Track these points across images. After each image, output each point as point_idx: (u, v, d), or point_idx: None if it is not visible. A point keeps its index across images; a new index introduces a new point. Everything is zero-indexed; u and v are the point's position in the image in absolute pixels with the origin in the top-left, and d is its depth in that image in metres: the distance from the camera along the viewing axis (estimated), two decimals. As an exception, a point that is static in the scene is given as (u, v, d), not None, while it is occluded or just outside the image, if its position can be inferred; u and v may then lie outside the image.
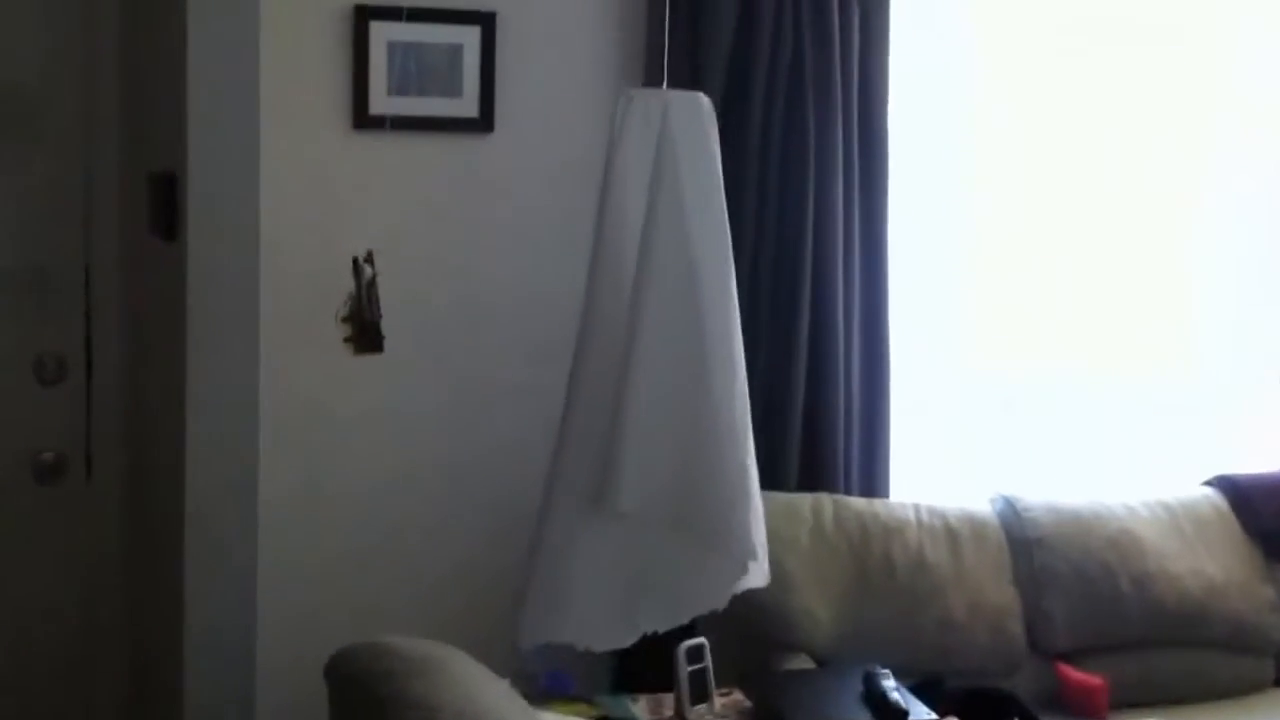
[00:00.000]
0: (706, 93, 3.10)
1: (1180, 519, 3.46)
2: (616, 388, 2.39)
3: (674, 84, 3.13)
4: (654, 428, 2.39)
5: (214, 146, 2.65)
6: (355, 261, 3.01)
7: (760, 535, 2.55)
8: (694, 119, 2.43)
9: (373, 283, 3.01)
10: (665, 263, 2.39)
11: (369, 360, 3.05)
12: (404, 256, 3.07)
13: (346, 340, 3.03)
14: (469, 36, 3.07)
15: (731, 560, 2.51)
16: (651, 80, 3.16)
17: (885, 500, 3.36)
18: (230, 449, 2.71)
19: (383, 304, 3.03)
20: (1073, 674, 3.18)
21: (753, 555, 2.51)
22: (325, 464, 3.05)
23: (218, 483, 2.70)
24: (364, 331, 3.03)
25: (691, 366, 2.40)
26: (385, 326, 3.06)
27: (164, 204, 2.74)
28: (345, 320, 3.03)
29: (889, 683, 2.72)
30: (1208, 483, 3.59)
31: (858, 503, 3.28)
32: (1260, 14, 3.70)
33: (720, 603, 2.59)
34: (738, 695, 2.80)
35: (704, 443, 2.41)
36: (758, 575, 2.59)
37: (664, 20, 3.11)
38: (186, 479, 2.67)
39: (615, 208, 2.47)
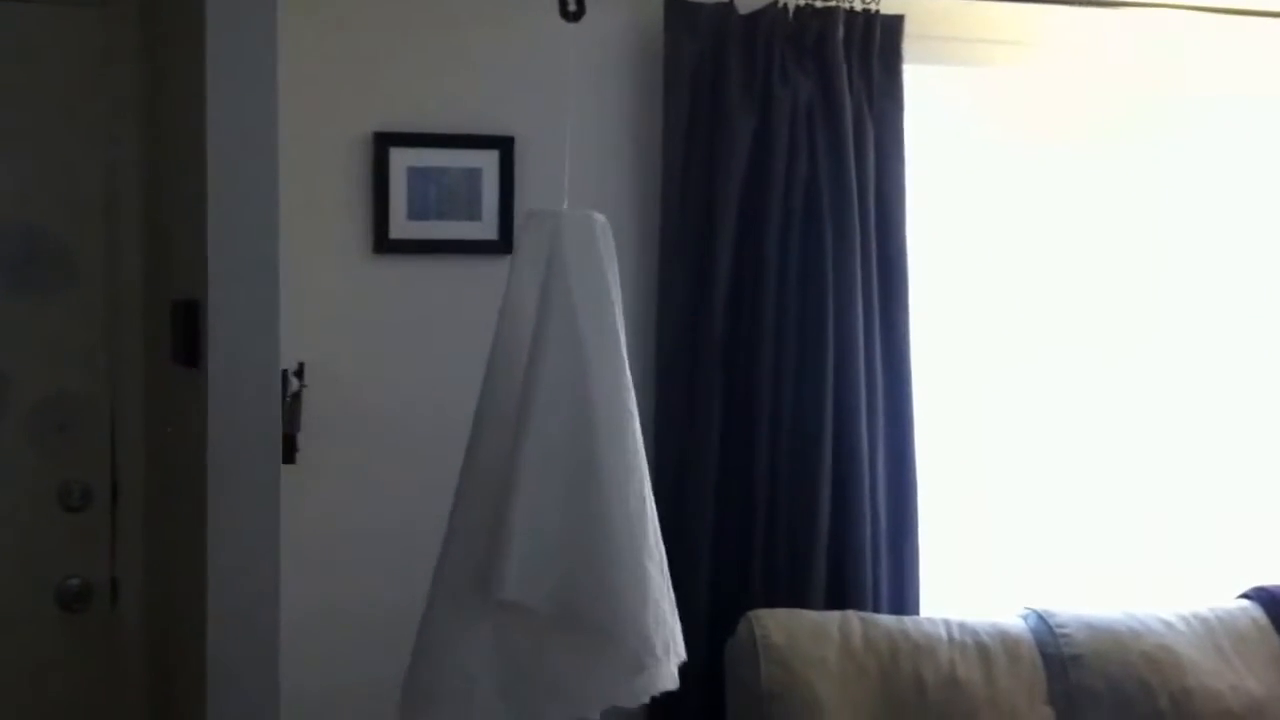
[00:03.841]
0: (723, 211, 3.20)
1: (1218, 633, 3.38)
2: (505, 477, 2.40)
3: (690, 205, 3.22)
4: (541, 518, 2.38)
5: (234, 273, 2.67)
6: (285, 374, 2.99)
7: (665, 637, 2.52)
8: (585, 234, 2.49)
9: (297, 396, 3.00)
10: (555, 363, 2.43)
11: (394, 482, 3.05)
12: (427, 378, 3.09)
13: None
14: (488, 160, 3.12)
15: (623, 658, 2.46)
16: (669, 201, 3.22)
17: (915, 617, 3.30)
18: (250, 578, 2.69)
19: (406, 425, 3.05)
20: (1111, 796, 3.09)
21: (649, 653, 2.46)
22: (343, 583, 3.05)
23: (238, 614, 2.68)
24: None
25: (581, 464, 2.41)
26: (411, 447, 3.07)
27: (185, 331, 2.77)
28: None
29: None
30: (1245, 595, 3.51)
31: (886, 620, 3.22)
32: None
33: (627, 701, 2.55)
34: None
35: (593, 538, 2.40)
36: (665, 678, 2.55)
37: (679, 143, 3.18)
38: (208, 609, 2.66)
39: (510, 313, 2.52)
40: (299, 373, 3.01)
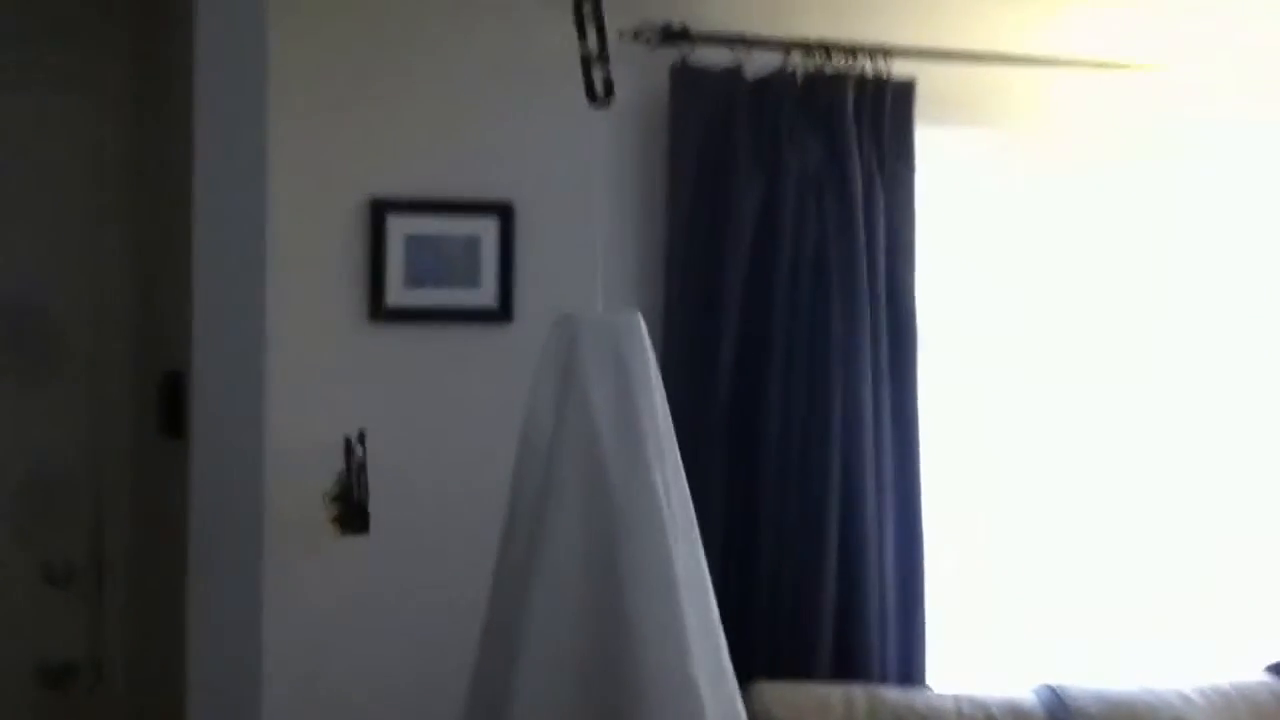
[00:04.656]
0: (729, 281, 3.14)
1: (1238, 708, 3.29)
2: (514, 606, 2.22)
3: (696, 273, 3.16)
4: (557, 643, 2.19)
5: (219, 344, 2.63)
6: (348, 441, 2.95)
7: None
8: (606, 339, 2.30)
9: (363, 464, 2.95)
10: (570, 465, 2.23)
11: (389, 552, 2.99)
12: (422, 449, 3.03)
13: (334, 520, 2.96)
14: (486, 227, 3.07)
15: None
16: (673, 266, 3.17)
17: (923, 691, 3.23)
18: (231, 656, 2.63)
19: (399, 495, 2.98)
20: None
21: None
22: (328, 656, 2.99)
23: (218, 693, 2.62)
24: (350, 511, 2.95)
25: (602, 571, 2.20)
26: (399, 517, 3.00)
27: (170, 402, 2.72)
28: (334, 499, 2.96)
29: None
30: (1270, 668, 3.42)
31: (892, 694, 3.15)
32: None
33: None
34: None
35: (619, 654, 2.19)
36: None
37: (685, 211, 3.12)
38: (188, 687, 2.60)
39: (530, 428, 2.34)
40: (361, 439, 2.95)
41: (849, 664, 3.19)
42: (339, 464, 2.96)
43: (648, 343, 2.30)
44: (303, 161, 2.93)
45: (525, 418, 2.32)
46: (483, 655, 2.28)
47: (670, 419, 2.30)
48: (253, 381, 2.68)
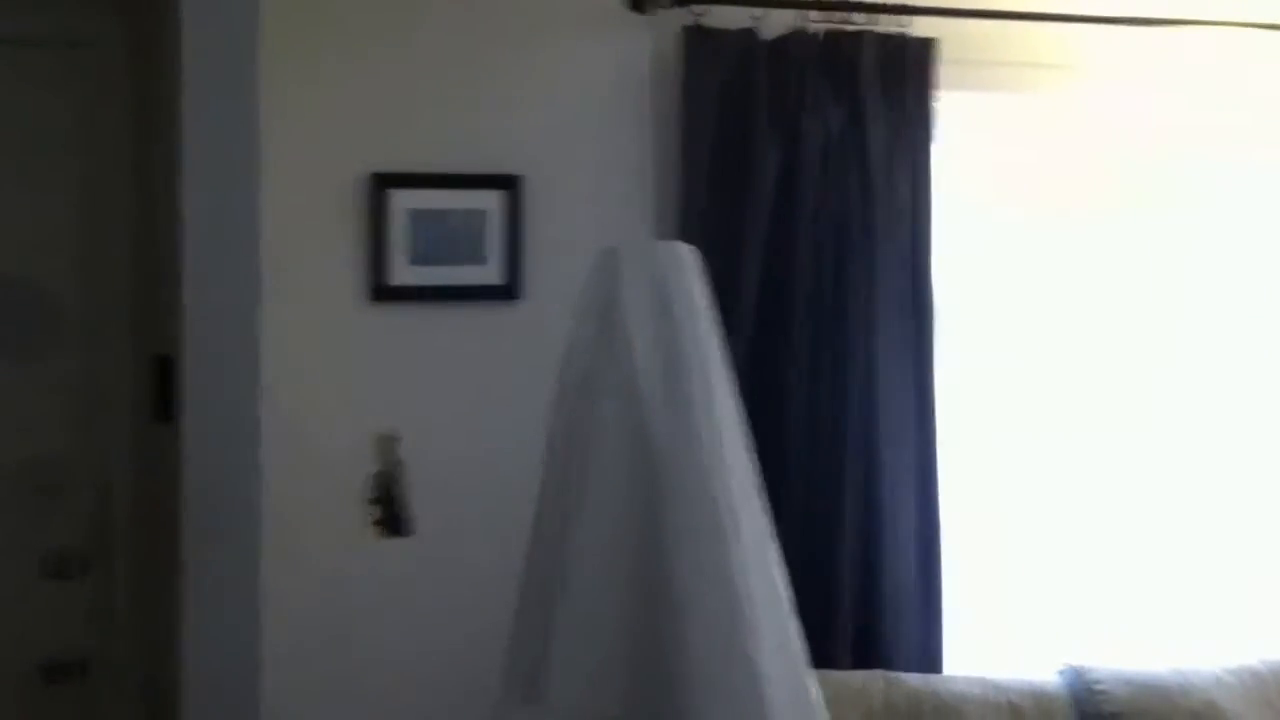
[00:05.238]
0: (747, 251, 3.01)
1: (1270, 687, 3.20)
2: (555, 573, 2.06)
3: (713, 242, 2.98)
4: (596, 612, 2.03)
5: (211, 327, 2.55)
6: (383, 441, 2.87)
7: None
8: (652, 269, 2.13)
9: (401, 464, 2.88)
10: (612, 413, 2.05)
11: (390, 544, 2.90)
12: (426, 433, 2.93)
13: (376, 523, 2.89)
14: (492, 201, 2.96)
15: None
16: (689, 236, 2.98)
17: (944, 676, 3.15)
18: (231, 644, 2.57)
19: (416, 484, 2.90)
20: None
21: None
22: (341, 651, 2.90)
23: (217, 682, 2.56)
24: (393, 515, 2.89)
25: (645, 536, 2.02)
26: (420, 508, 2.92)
27: (161, 386, 2.64)
28: (373, 502, 2.89)
29: None
30: (1302, 645, 3.35)
31: (913, 680, 3.06)
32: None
33: None
34: None
35: (661, 629, 2.00)
36: None
37: (699, 181, 3.00)
38: (184, 679, 2.54)
39: (569, 370, 2.16)
40: (393, 438, 2.89)
41: (870, 651, 3.12)
42: (344, 456, 2.88)
43: (696, 273, 2.13)
44: (300, 134, 2.82)
45: (562, 365, 2.16)
46: (519, 625, 2.14)
47: (723, 356, 2.12)
48: (246, 365, 2.60)
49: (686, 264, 2.15)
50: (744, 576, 2.05)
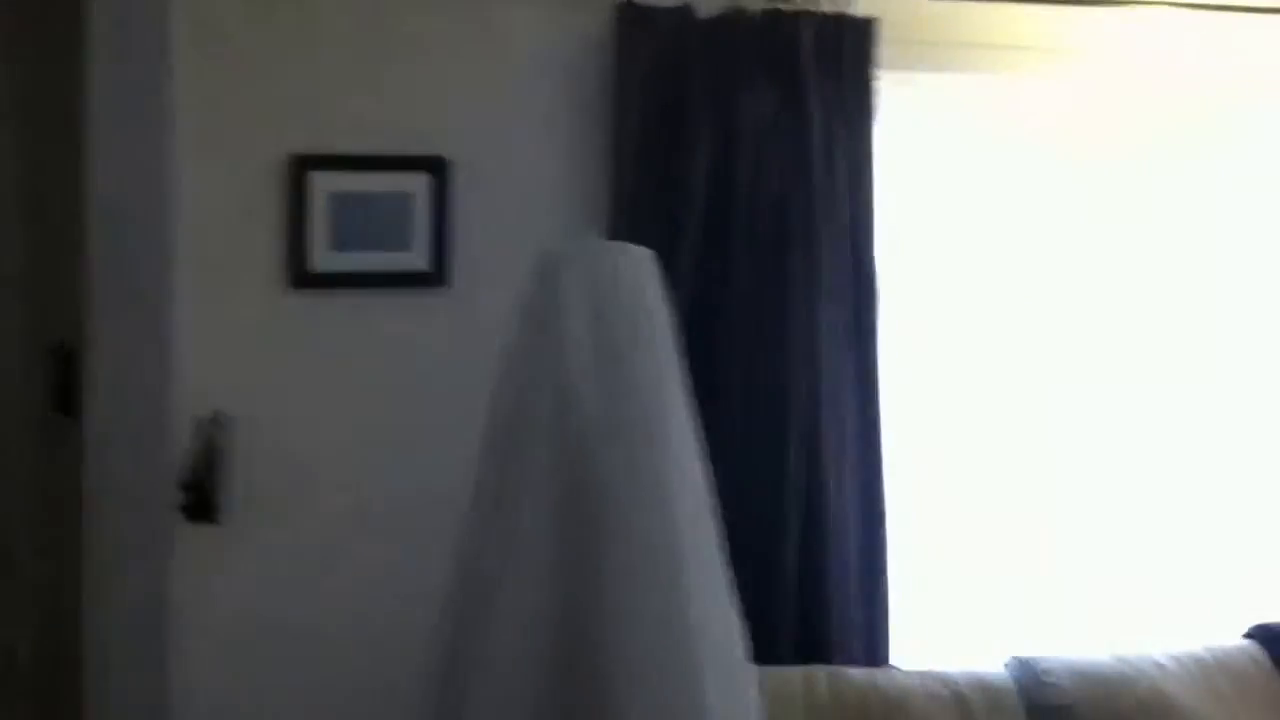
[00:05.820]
0: (682, 238, 2.93)
1: (1215, 675, 3.15)
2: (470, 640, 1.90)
3: (647, 229, 2.92)
4: (523, 638, 1.87)
5: (117, 314, 2.44)
6: (200, 424, 2.73)
7: None
8: (599, 276, 1.97)
9: (215, 447, 2.73)
10: (543, 424, 1.91)
11: (308, 544, 2.81)
12: (345, 427, 2.85)
13: (180, 509, 2.72)
14: (418, 184, 2.86)
15: None
16: (621, 222, 2.95)
17: (888, 669, 3.08)
18: (136, 649, 2.47)
19: (320, 483, 2.80)
20: None
21: None
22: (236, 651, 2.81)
23: (121, 690, 2.46)
24: (201, 499, 2.72)
25: (577, 598, 1.86)
26: (321, 504, 2.81)
27: (62, 377, 2.52)
28: (183, 487, 2.71)
29: None
30: (1248, 634, 3.27)
31: (856, 674, 2.99)
32: None
33: None
34: None
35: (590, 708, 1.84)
36: None
37: (632, 164, 2.92)
38: (85, 681, 2.43)
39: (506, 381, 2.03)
40: (215, 421, 2.74)
41: (813, 646, 3.05)
42: (260, 451, 2.76)
43: (649, 280, 1.96)
44: (214, 114, 2.72)
45: (498, 381, 1.98)
46: (441, 647, 1.97)
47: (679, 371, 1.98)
48: (156, 355, 2.49)
49: (638, 269, 1.98)
50: (691, 633, 1.90)
